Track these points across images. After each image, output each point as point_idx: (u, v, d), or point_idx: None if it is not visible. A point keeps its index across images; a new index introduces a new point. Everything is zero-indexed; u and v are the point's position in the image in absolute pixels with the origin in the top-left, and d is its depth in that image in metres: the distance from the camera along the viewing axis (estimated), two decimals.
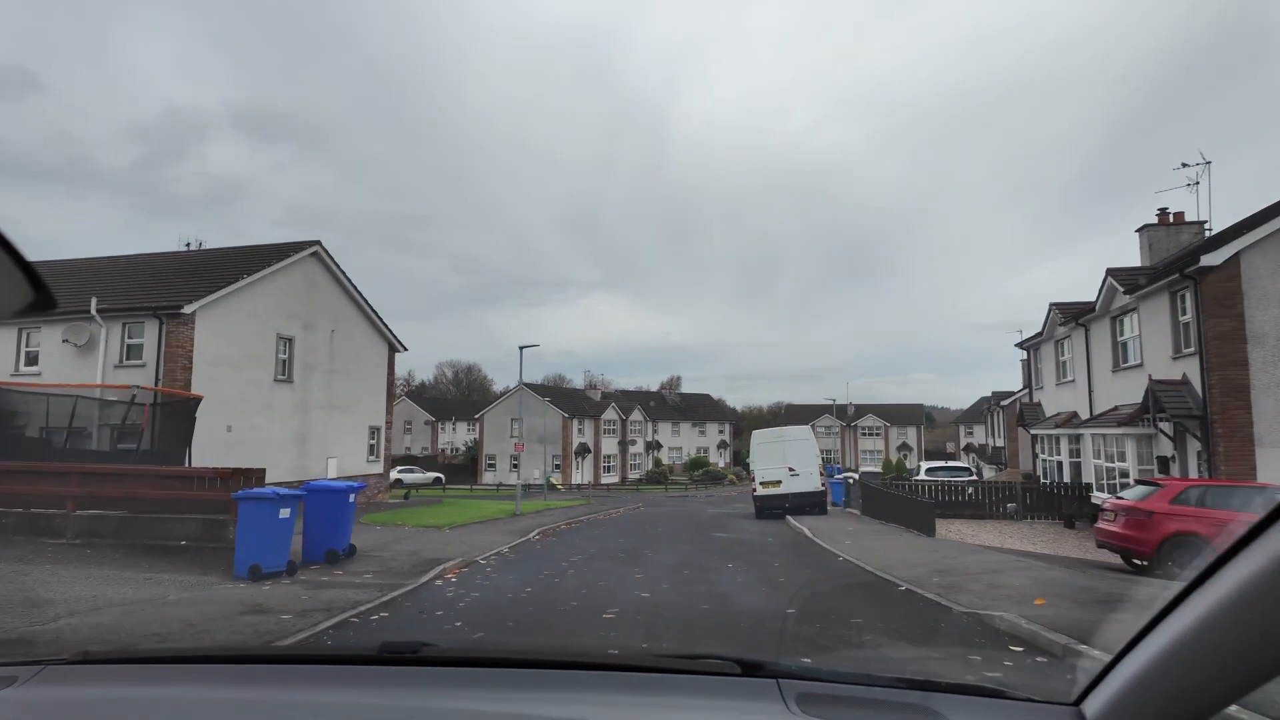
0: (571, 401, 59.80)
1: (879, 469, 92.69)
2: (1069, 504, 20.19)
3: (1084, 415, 21.69)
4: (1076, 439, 22.01)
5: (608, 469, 60.80)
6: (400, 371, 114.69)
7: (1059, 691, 1.36)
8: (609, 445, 61.26)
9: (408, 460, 64.96)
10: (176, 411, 13.59)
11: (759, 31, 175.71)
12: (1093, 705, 1.22)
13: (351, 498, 11.37)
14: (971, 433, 78.68)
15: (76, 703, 1.41)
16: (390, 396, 29.99)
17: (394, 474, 56.94)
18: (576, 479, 57.10)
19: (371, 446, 28.69)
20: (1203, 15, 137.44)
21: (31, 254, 0.72)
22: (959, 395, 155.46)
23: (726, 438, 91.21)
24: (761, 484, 24.55)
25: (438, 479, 58.47)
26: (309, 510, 11.08)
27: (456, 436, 77.84)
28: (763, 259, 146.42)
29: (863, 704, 1.43)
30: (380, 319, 28.80)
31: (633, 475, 63.39)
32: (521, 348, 29.38)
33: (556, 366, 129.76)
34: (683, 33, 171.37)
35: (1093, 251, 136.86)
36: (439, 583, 10.09)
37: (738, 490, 53.62)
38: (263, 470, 11.58)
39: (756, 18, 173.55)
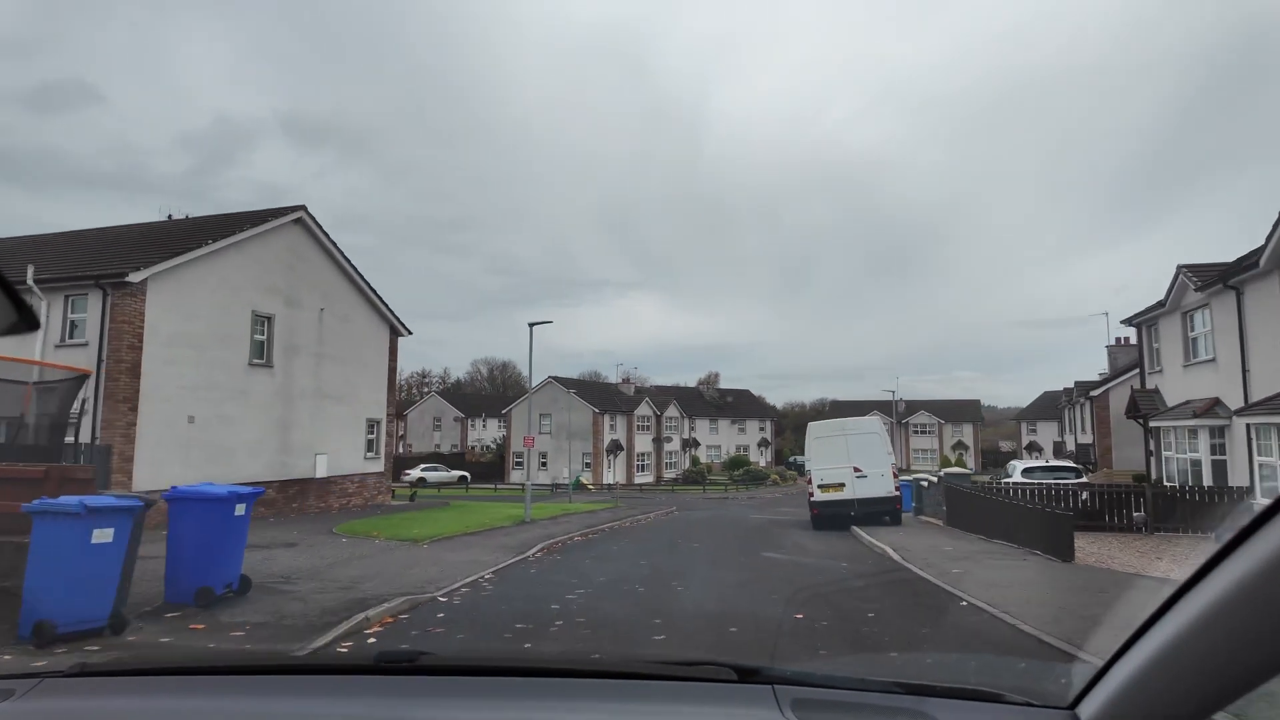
0: (602, 396, 56.21)
1: (933, 469, 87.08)
2: (1221, 511, 15.76)
3: (1232, 403, 17.15)
4: (1220, 431, 17.51)
5: (641, 468, 57.08)
6: (435, 368, 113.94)
7: (1055, 695, 1.35)
8: (643, 443, 57.51)
9: (434, 458, 62.12)
10: (56, 392, 10.18)
11: (796, 24, 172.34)
12: (1088, 708, 1.23)
13: (240, 509, 7.82)
14: (1035, 429, 72.90)
15: (74, 715, 1.42)
16: (392, 386, 26.67)
17: (417, 472, 54.11)
18: (608, 478, 53.49)
19: (370, 442, 25.38)
20: (1258, 2, 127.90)
21: None
22: (1004, 393, 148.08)
23: (768, 435, 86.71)
24: (820, 487, 20.49)
25: (463, 478, 55.46)
26: (176, 529, 7.57)
27: (486, 434, 74.97)
28: (801, 255, 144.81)
29: (857, 709, 1.45)
30: (380, 298, 25.47)
31: (668, 474, 59.57)
32: (531, 325, 25.72)
33: (593, 365, 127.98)
34: (718, 27, 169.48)
35: (1141, 246, 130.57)
36: (342, 649, 6.43)
37: (782, 492, 49.40)
38: (92, 468, 8.10)
39: (793, 10, 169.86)
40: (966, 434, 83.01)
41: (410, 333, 26.97)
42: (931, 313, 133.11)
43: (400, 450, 78.75)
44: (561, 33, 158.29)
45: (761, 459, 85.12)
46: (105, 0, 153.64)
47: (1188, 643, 0.97)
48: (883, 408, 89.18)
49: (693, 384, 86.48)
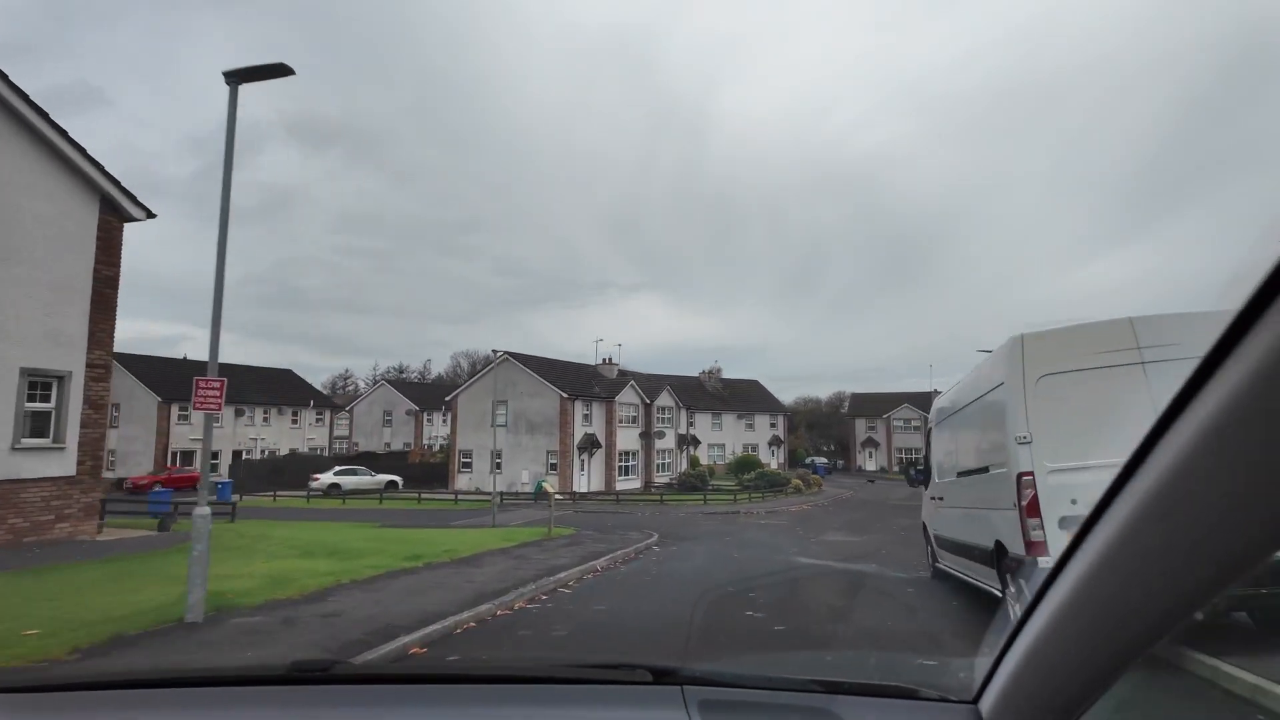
0: (574, 378, 43.72)
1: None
2: None
3: None
4: None
5: (625, 470, 44.54)
6: (415, 363, 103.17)
7: (959, 690, 1.37)
8: (627, 438, 44.95)
9: (359, 459, 49.61)
10: None
11: (803, 25, 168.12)
12: (986, 701, 1.27)
13: None
14: None
15: None
16: (104, 308, 14.06)
17: (329, 477, 41.57)
18: (580, 484, 41.01)
19: (33, 417, 12.83)
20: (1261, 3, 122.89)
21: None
22: None
23: (780, 432, 74.16)
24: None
25: (392, 483, 42.89)
26: None
27: (446, 429, 62.57)
28: (807, 257, 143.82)
29: (764, 709, 1.45)
30: (86, 154, 12.95)
31: (660, 478, 47.14)
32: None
33: None
34: (725, 28, 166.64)
35: (1150, 248, 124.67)
36: None
37: (810, 502, 36.88)
38: None
39: (800, 11, 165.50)
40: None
41: (150, 215, 14.45)
42: (938, 314, 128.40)
43: (346, 449, 66.43)
44: (568, 34, 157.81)
45: (773, 460, 72.54)
46: (112, 2, 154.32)
47: (1056, 629, 1.01)
48: (916, 401, 76.70)
49: (693, 374, 73.96)
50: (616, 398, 43.55)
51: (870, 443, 75.31)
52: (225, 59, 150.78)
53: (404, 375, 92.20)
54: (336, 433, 64.52)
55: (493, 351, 42.86)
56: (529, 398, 41.70)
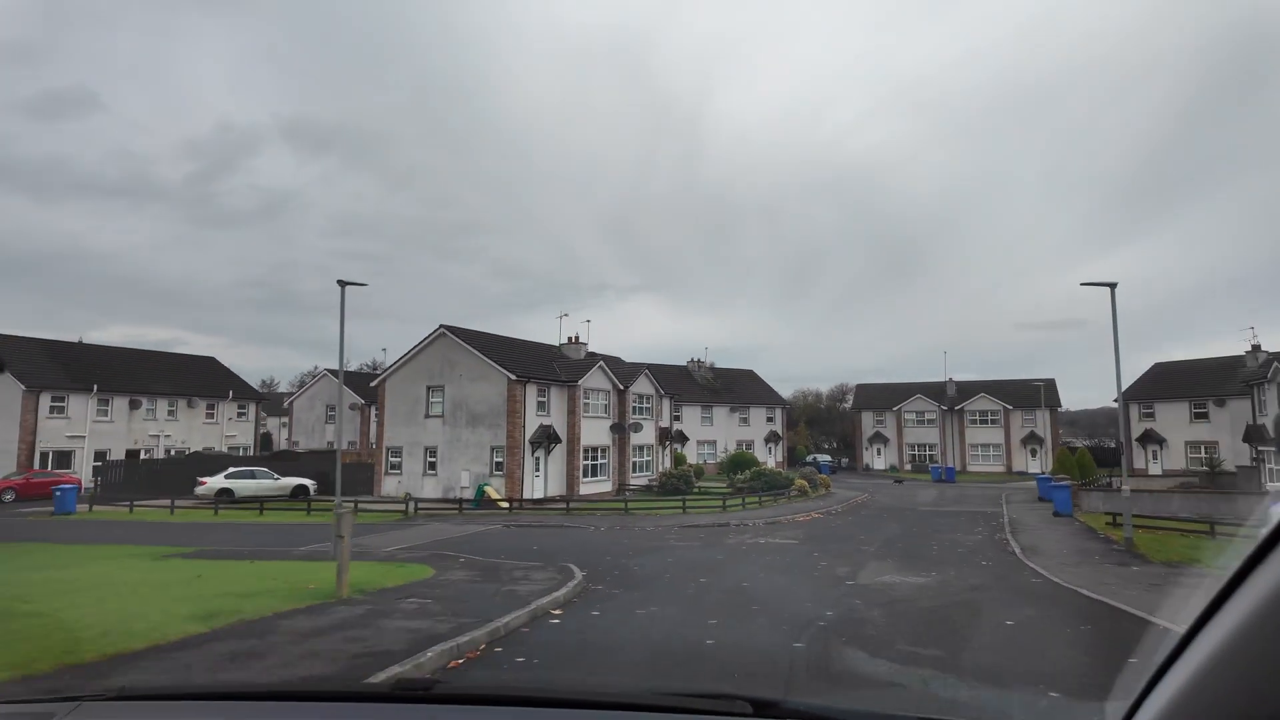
0: (528, 359, 35.65)
1: (998, 468, 66.44)
2: None
3: None
4: None
5: (592, 470, 36.49)
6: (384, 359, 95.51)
7: None
8: (594, 431, 36.91)
9: (271, 460, 41.39)
10: None
11: (799, 26, 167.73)
12: None
13: None
14: (1151, 413, 52.39)
15: None
16: None
17: (218, 481, 33.34)
18: (534, 488, 33.01)
19: None
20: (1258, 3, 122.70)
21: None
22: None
23: (778, 427, 66.31)
24: None
25: (301, 488, 34.76)
26: None
27: None
28: (804, 259, 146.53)
29: None
30: None
31: (637, 479, 39.20)
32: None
33: None
34: (721, 29, 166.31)
35: (1145, 248, 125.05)
36: None
37: (822, 507, 28.96)
38: None
39: (797, 12, 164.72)
40: (1040, 423, 62.48)
41: None
42: (935, 314, 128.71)
43: (287, 445, 58.23)
44: (564, 37, 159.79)
45: (770, 458, 64.68)
46: (107, 6, 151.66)
47: (1209, 680, 0.92)
48: (927, 391, 68.90)
49: (681, 363, 66.02)
50: (581, 382, 35.51)
51: (878, 438, 67.44)
52: (221, 63, 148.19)
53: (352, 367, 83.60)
54: (268, 430, 56.19)
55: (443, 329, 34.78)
56: (471, 382, 33.62)
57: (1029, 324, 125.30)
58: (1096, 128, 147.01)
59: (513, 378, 32.40)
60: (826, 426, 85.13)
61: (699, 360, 66.05)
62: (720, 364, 68.66)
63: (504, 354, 34.44)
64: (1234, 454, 45.19)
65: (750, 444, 63.86)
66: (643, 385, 41.16)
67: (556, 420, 34.88)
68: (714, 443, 61.61)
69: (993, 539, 20.38)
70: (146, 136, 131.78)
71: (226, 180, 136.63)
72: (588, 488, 35.86)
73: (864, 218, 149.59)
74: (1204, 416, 49.06)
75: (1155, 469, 50.38)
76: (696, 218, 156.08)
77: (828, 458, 67.08)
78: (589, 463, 36.44)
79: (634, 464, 40.34)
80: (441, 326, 34.60)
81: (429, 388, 34.77)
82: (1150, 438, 51.48)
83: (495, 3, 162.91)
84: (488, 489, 31.91)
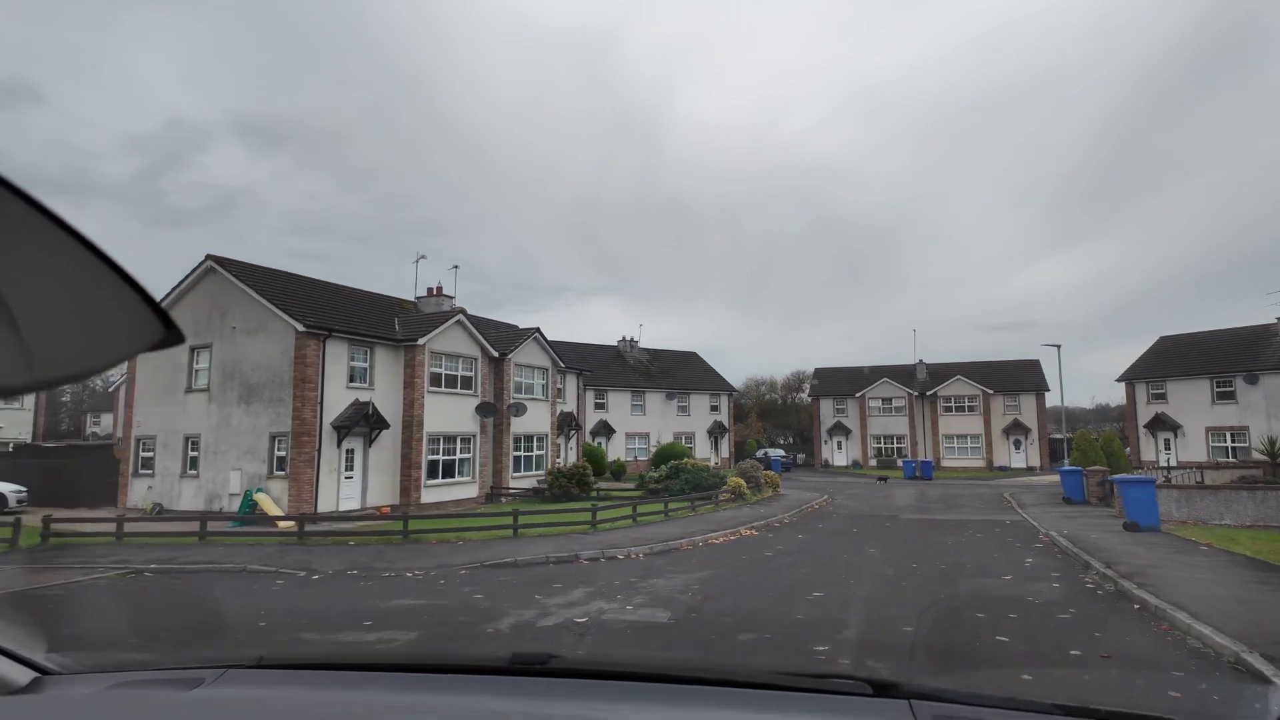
0: (339, 307, 24.85)
1: (977, 462, 56.94)
2: None
3: None
4: None
5: (443, 468, 25.80)
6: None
7: None
8: (449, 413, 26.27)
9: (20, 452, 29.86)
10: None
11: (758, 32, 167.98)
12: None
13: None
14: (1162, 394, 43.76)
15: (252, 700, 1.57)
16: None
17: None
18: (346, 495, 22.31)
19: None
20: (1206, 8, 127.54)
21: None
22: None
23: (724, 418, 56.39)
24: None
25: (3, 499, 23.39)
26: None
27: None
28: (763, 261, 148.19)
29: None
30: None
31: (524, 478, 28.77)
32: None
33: None
34: (681, 33, 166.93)
35: (1095, 248, 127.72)
36: None
37: (756, 522, 18.85)
38: None
39: (756, 18, 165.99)
40: (1026, 409, 53.78)
41: None
42: (892, 316, 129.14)
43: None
44: (524, 37, 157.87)
45: (715, 454, 54.80)
46: None
47: None
48: (895, 375, 59.70)
49: (611, 343, 55.73)
50: (425, 341, 24.83)
51: (839, 430, 58.02)
52: (170, 55, 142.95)
53: None
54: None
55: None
56: (247, 337, 22.72)
57: (982, 325, 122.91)
58: (1046, 135, 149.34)
59: (301, 329, 21.58)
60: (781, 419, 75.73)
61: (631, 339, 55.76)
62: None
63: (298, 298, 23.57)
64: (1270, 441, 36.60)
65: (691, 437, 53.86)
66: (530, 354, 30.63)
67: (385, 396, 24.15)
68: (647, 435, 51.41)
69: (1079, 584, 10.55)
70: (89, 131, 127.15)
71: (175, 177, 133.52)
72: (436, 493, 25.20)
73: (822, 220, 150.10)
74: (1229, 396, 40.51)
75: (1167, 459, 41.69)
76: (657, 219, 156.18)
77: (781, 453, 57.36)
78: (439, 458, 25.76)
79: (519, 460, 29.82)
80: (209, 257, 23.60)
81: (193, 349, 23.73)
82: (1161, 424, 42.83)
83: (455, 1, 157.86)
84: (260, 497, 21.08)
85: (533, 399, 30.53)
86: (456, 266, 30.96)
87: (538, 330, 30.86)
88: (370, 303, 27.19)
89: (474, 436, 27.24)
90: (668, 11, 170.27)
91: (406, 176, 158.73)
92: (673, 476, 25.67)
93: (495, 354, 28.24)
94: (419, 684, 1.63)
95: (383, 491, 23.87)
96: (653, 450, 48.36)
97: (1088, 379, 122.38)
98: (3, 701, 1.48)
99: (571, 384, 35.46)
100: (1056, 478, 42.45)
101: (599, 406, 49.01)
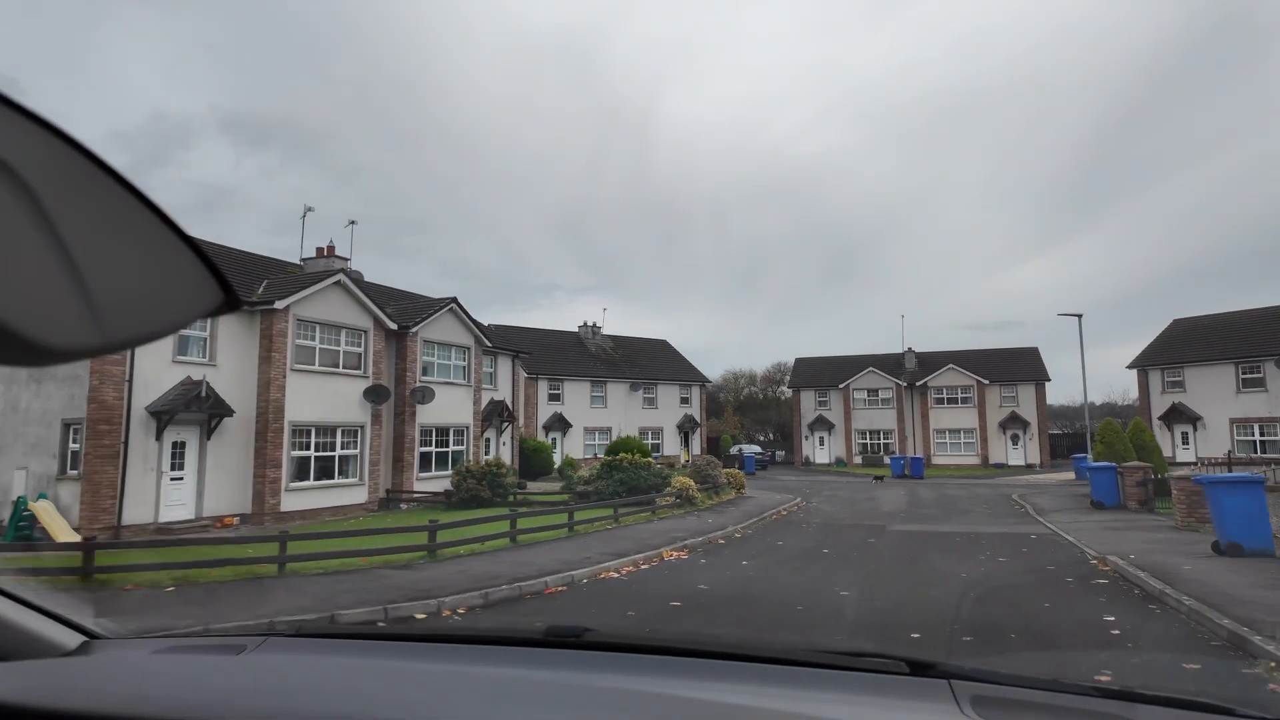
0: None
1: (970, 459, 51.78)
2: None
3: None
4: None
5: (319, 467, 20.53)
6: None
7: None
8: (331, 398, 21.02)
9: None
10: None
11: (747, 32, 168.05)
12: None
13: None
14: (1179, 381, 39.08)
15: (290, 665, 1.61)
16: None
17: None
18: (167, 501, 17.03)
19: None
20: (1193, 7, 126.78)
21: None
22: None
23: (694, 411, 51.33)
24: None
25: None
26: None
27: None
28: (752, 261, 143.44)
29: (1048, 710, 1.31)
30: None
31: (433, 479, 23.61)
32: None
33: None
34: (670, 33, 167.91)
35: (1083, 248, 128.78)
36: None
37: (700, 532, 13.74)
38: None
39: (745, 19, 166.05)
40: (1025, 401, 49.09)
41: None
42: (879, 316, 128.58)
43: None
44: (513, 34, 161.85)
45: (686, 451, 49.83)
46: None
47: None
48: (882, 365, 54.86)
49: (571, 329, 50.57)
50: (284, 305, 19.49)
51: (821, 424, 53.11)
52: (154, 50, 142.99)
53: None
54: None
55: None
56: None
57: (970, 325, 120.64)
58: (1035, 135, 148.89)
59: None
60: (761, 414, 70.78)
61: (594, 325, 50.52)
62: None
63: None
64: None
65: (658, 432, 48.84)
66: (445, 329, 25.37)
67: (233, 375, 18.82)
68: (608, 430, 46.23)
69: (1254, 683, 5.47)
70: (69, 126, 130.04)
71: (159, 173, 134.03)
72: (305, 498, 19.93)
73: (810, 221, 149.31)
74: (1258, 384, 35.84)
75: (1186, 454, 37.04)
76: (646, 219, 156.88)
77: (757, 449, 52.35)
78: (312, 454, 20.45)
79: (429, 457, 24.57)
80: None
81: None
82: (1179, 415, 38.12)
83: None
84: (39, 507, 15.69)
85: (449, 383, 25.29)
86: (354, 222, 25.62)
87: (454, 301, 25.61)
88: (237, 262, 21.82)
89: (362, 428, 21.96)
90: (658, 11, 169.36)
91: (393, 174, 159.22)
92: (603, 476, 20.50)
93: (393, 326, 22.96)
94: (455, 655, 1.65)
95: (229, 496, 18.56)
96: (610, 443, 43.19)
97: (1075, 377, 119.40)
98: (54, 664, 1.49)
99: (505, 368, 30.24)
100: (1064, 475, 37.64)
101: (554, 398, 43.88)
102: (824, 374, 55.33)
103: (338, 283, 21.20)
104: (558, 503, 20.19)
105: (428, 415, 24.17)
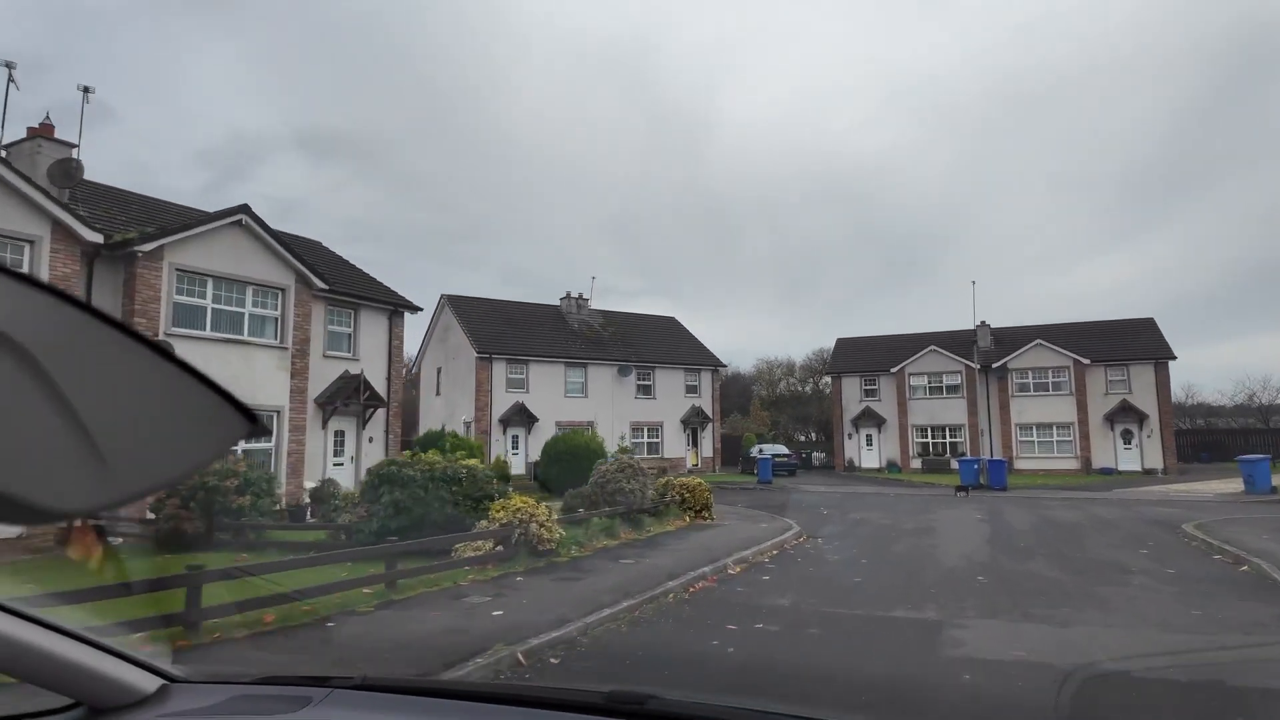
0: None
1: (1067, 463, 38.36)
2: None
3: None
4: None
5: None
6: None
7: None
8: None
9: None
10: None
11: (800, 32, 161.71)
12: None
13: None
14: None
15: None
16: None
17: None
18: None
19: None
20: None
21: None
22: None
23: (704, 403, 40.86)
24: None
25: None
26: None
27: None
28: (806, 263, 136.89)
29: None
30: None
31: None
32: None
33: None
34: (721, 35, 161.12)
35: (1149, 247, 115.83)
36: None
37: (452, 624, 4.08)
38: None
39: (796, 17, 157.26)
40: (1140, 387, 36.81)
41: None
42: (936, 317, 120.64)
43: None
44: (565, 46, 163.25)
45: (693, 452, 39.64)
46: (116, 17, 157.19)
47: None
48: (948, 343, 43.28)
49: (552, 302, 40.69)
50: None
51: (869, 419, 41.87)
52: (230, 71, 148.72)
53: None
54: None
55: None
56: None
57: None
58: (1101, 128, 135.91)
59: None
60: (799, 409, 59.59)
61: (579, 296, 40.58)
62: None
63: None
64: None
65: (657, 429, 38.73)
66: (225, 254, 15.99)
67: None
68: (591, 425, 36.08)
69: None
70: (158, 146, 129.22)
71: (238, 189, 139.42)
72: None
73: (867, 220, 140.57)
74: None
75: None
76: (700, 223, 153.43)
77: (784, 450, 41.40)
78: None
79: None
80: None
81: None
82: None
83: (498, 13, 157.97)
84: None
85: (235, 340, 15.87)
86: (88, 89, 16.41)
87: (245, 209, 16.16)
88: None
89: None
90: (706, 13, 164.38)
91: (450, 184, 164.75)
92: (370, 498, 10.50)
93: (98, 240, 13.59)
94: (513, 716, 1.64)
95: None
96: (613, 447, 33.14)
97: (1188, 368, 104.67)
98: (140, 711, 1.54)
99: (379, 328, 20.70)
100: (1217, 486, 25.35)
101: (515, 384, 34.25)
102: (872, 357, 44.07)
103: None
104: (310, 543, 10.49)
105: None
